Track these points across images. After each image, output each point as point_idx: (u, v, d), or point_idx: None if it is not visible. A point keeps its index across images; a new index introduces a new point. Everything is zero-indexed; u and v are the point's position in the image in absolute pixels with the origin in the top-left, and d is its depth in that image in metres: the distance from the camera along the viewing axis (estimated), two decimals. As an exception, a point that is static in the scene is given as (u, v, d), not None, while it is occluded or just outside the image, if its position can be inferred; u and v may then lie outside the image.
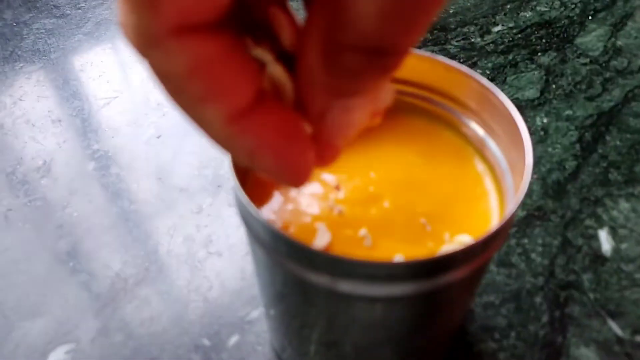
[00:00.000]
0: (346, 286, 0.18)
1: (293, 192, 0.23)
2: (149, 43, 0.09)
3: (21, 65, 0.46)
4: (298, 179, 0.12)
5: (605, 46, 0.46)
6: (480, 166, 0.24)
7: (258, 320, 0.29)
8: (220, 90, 0.10)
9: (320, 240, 0.21)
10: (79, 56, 0.47)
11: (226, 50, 0.10)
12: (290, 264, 0.19)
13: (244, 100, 0.11)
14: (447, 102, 0.24)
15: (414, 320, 0.20)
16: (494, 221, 0.22)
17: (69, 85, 0.44)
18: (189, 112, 0.11)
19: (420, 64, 0.24)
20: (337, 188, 0.23)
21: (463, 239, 0.21)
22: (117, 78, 0.45)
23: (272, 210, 0.22)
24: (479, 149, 0.24)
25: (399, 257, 0.20)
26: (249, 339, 0.29)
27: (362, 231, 0.21)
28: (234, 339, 0.29)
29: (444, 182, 0.23)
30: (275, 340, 0.27)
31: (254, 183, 0.23)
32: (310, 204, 0.23)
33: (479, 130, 0.23)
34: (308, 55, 0.10)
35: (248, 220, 0.20)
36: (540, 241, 0.33)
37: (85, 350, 0.29)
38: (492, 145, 0.22)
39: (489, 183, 0.23)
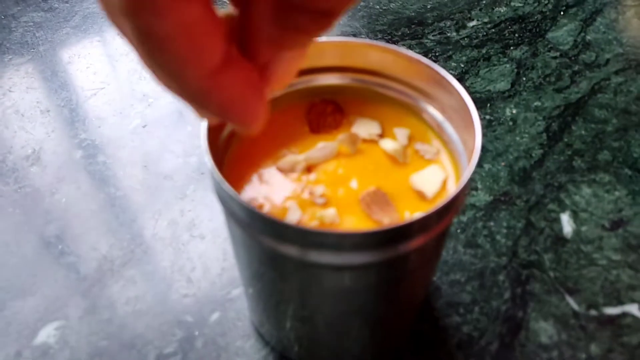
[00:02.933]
0: (315, 256, 0.20)
1: (267, 174, 0.25)
2: (141, 3, 0.10)
3: (10, 57, 0.47)
4: (258, 123, 0.14)
5: (575, 40, 0.48)
6: (439, 149, 0.25)
7: (238, 298, 0.31)
8: (200, 49, 0.11)
9: (291, 217, 0.23)
10: (66, 49, 0.48)
11: (205, 11, 0.11)
12: (264, 238, 0.20)
13: (219, 58, 0.12)
14: (410, 90, 0.26)
15: (378, 289, 0.22)
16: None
17: (57, 77, 0.45)
18: (168, 71, 0.12)
19: (386, 56, 0.25)
20: (309, 171, 0.25)
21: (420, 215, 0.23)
22: (103, 70, 0.46)
23: (247, 190, 0.24)
24: (438, 133, 0.25)
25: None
26: (230, 316, 0.30)
27: (331, 210, 0.23)
28: (215, 316, 0.30)
29: (407, 164, 0.25)
30: (254, 317, 0.29)
31: (230, 166, 0.25)
32: (283, 185, 0.24)
33: (438, 116, 0.25)
34: (259, 12, 0.12)
35: (224, 199, 0.21)
36: (505, 224, 0.35)
37: (73, 326, 0.30)
38: (449, 128, 0.24)
39: (447, 164, 0.25)
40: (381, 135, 0.26)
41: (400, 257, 0.20)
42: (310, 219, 0.23)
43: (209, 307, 0.31)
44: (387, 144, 0.25)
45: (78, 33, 0.50)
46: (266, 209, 0.23)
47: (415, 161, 0.25)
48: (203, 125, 0.22)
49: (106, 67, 0.46)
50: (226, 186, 0.20)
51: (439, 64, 0.23)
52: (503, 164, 0.38)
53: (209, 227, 0.34)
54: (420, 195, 0.24)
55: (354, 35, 0.49)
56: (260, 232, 0.20)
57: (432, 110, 0.25)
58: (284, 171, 0.25)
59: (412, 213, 0.23)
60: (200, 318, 0.30)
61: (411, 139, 0.26)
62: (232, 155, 0.25)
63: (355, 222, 0.23)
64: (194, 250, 0.33)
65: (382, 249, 0.20)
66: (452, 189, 0.24)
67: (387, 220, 0.22)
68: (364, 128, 0.26)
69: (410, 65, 0.25)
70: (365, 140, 0.26)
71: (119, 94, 0.44)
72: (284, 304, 0.25)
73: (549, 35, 0.49)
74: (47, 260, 0.33)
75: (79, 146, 0.40)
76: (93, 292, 0.32)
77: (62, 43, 0.49)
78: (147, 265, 0.33)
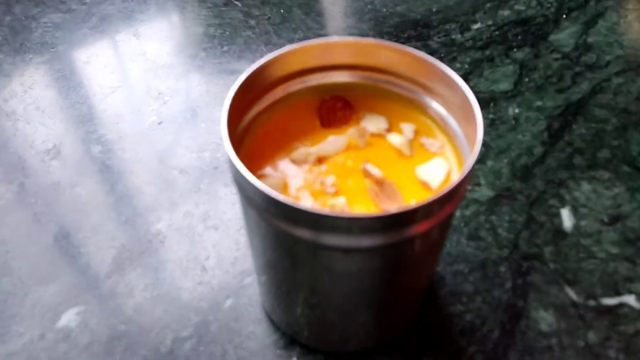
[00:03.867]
0: (327, 239, 0.21)
1: (281, 166, 0.26)
2: None
3: (31, 56, 0.49)
4: None
5: (577, 43, 0.50)
6: (443, 143, 0.27)
7: (251, 285, 0.32)
8: None
9: (304, 204, 0.24)
10: (84, 49, 0.50)
11: None
12: (280, 222, 0.22)
13: None
14: (416, 87, 0.27)
15: (384, 271, 0.24)
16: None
17: (76, 75, 0.47)
18: None
19: (393, 55, 0.27)
20: (320, 162, 0.27)
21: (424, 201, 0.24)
22: (120, 69, 0.48)
23: (264, 180, 0.25)
24: (442, 127, 0.27)
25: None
26: (243, 302, 0.32)
27: (341, 199, 0.25)
28: (229, 302, 0.32)
29: (413, 157, 0.26)
30: (266, 303, 0.31)
31: (245, 158, 0.26)
32: (297, 176, 0.26)
33: (442, 111, 0.26)
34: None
35: (242, 185, 0.23)
36: (507, 218, 0.36)
37: (93, 311, 0.32)
38: (453, 123, 0.26)
39: (451, 157, 0.26)
40: (388, 130, 0.28)
41: (405, 241, 0.22)
42: (321, 207, 0.24)
43: (222, 293, 0.32)
44: (394, 138, 0.27)
45: (95, 34, 0.51)
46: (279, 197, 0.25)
47: (421, 154, 0.27)
48: (224, 118, 0.23)
49: (122, 67, 0.48)
50: (244, 171, 0.21)
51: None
52: (505, 160, 0.39)
53: (223, 218, 0.36)
54: (426, 186, 0.25)
55: (362, 37, 0.50)
56: (275, 216, 0.22)
57: (437, 106, 0.27)
58: (297, 162, 0.26)
59: (418, 202, 0.24)
60: (215, 304, 0.32)
61: (417, 133, 0.27)
62: (247, 149, 0.27)
63: (363, 210, 0.24)
64: (208, 240, 0.35)
65: (388, 233, 0.21)
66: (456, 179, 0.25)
67: (394, 208, 0.24)
68: (373, 123, 0.28)
69: (416, 64, 0.26)
70: (373, 134, 0.28)
71: (135, 92, 0.45)
72: (295, 291, 0.26)
73: (552, 37, 0.50)
74: (67, 250, 0.35)
75: (97, 141, 0.41)
76: (112, 279, 0.33)
77: (80, 43, 0.50)
78: (164, 255, 0.34)
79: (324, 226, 0.21)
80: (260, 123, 0.28)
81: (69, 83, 0.46)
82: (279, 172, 0.26)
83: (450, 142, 0.27)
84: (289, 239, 0.22)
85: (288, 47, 0.27)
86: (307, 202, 0.24)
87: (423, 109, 0.28)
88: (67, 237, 0.35)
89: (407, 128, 0.27)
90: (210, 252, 0.34)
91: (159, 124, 0.43)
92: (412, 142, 0.27)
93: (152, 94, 0.45)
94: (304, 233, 0.21)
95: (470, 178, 0.23)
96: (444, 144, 0.27)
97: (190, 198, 0.37)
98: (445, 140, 0.27)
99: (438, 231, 0.23)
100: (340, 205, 0.24)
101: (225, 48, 0.50)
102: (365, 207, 0.24)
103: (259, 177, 0.26)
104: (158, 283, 0.33)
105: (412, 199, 0.25)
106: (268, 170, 0.26)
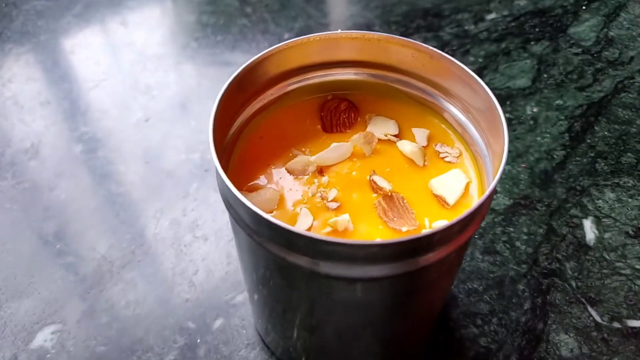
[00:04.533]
0: (327, 267, 0.18)
1: (276, 176, 0.23)
2: None
3: (10, 46, 0.46)
4: None
5: (597, 37, 0.46)
6: (461, 151, 0.24)
7: (243, 304, 0.30)
8: None
9: (302, 224, 0.21)
10: (68, 38, 0.46)
11: None
12: (272, 246, 0.19)
13: None
14: (430, 88, 0.24)
15: (393, 302, 0.21)
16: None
17: (58, 67, 0.44)
18: None
19: (405, 51, 0.24)
20: (321, 173, 0.23)
21: (442, 225, 0.21)
22: (106, 60, 0.44)
23: (256, 193, 0.22)
24: (461, 135, 0.24)
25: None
26: (234, 322, 0.29)
27: (344, 216, 0.22)
28: (218, 322, 0.29)
29: (426, 167, 0.23)
30: (260, 324, 0.28)
31: (237, 166, 0.23)
32: (294, 188, 0.23)
33: (460, 116, 0.23)
34: None
35: (230, 203, 0.20)
36: (525, 229, 0.33)
37: (71, 330, 0.29)
38: (472, 130, 0.22)
39: (470, 168, 0.23)
40: (398, 136, 0.25)
41: (418, 270, 0.19)
42: (322, 226, 0.21)
43: (212, 312, 0.29)
44: (405, 145, 0.24)
45: (80, 22, 0.48)
46: (274, 214, 0.22)
47: (435, 164, 0.23)
48: (210, 122, 0.20)
49: (108, 58, 0.45)
50: (233, 189, 0.18)
51: (456, 59, 0.21)
52: (524, 165, 0.36)
53: (213, 227, 0.33)
54: (441, 201, 0.22)
55: (367, 27, 0.47)
56: (267, 240, 0.19)
57: (454, 110, 0.24)
58: (295, 173, 0.23)
59: (432, 220, 0.21)
60: (203, 324, 0.29)
61: (431, 140, 0.24)
62: (239, 155, 0.24)
63: (370, 230, 0.21)
64: (196, 252, 0.32)
65: (400, 262, 0.18)
66: (476, 195, 0.22)
67: (405, 228, 0.21)
68: (380, 127, 0.25)
69: (432, 61, 0.23)
70: (381, 141, 0.24)
71: (121, 86, 0.42)
72: (291, 312, 0.23)
73: (571, 30, 0.47)
74: (45, 260, 0.32)
75: (79, 140, 0.38)
76: (92, 294, 0.30)
77: (64, 32, 0.47)
78: (147, 267, 0.31)
79: (324, 254, 0.18)
80: (254, 126, 0.25)
81: (50, 76, 0.43)
82: (274, 183, 0.23)
83: (468, 150, 0.24)
84: (283, 265, 0.19)
85: (287, 42, 0.23)
86: (305, 220, 0.21)
87: (438, 113, 0.25)
88: (44, 247, 0.32)
89: (420, 134, 0.24)
90: (198, 266, 0.31)
91: (146, 120, 0.39)
92: (425, 150, 0.24)
93: (139, 87, 0.42)
94: (300, 260, 0.18)
95: (489, 203, 0.20)
96: (462, 152, 0.24)
97: (178, 204, 0.34)
98: (463, 148, 0.24)
99: (457, 255, 0.20)
100: (343, 223, 0.21)
101: (219, 37, 0.46)
102: (372, 226, 0.21)
103: (252, 188, 0.23)
104: (141, 300, 0.30)
105: (426, 217, 0.21)
106: (262, 180, 0.23)
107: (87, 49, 0.45)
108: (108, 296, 0.30)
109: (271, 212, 0.22)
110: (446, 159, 0.23)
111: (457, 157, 0.24)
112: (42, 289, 0.30)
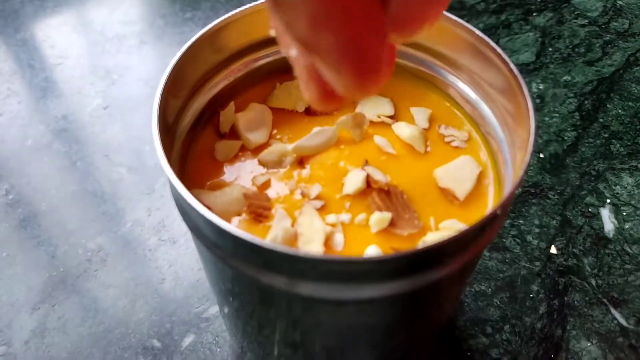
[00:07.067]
0: (309, 289, 0.14)
1: (247, 170, 0.19)
2: None
3: (-48, 28, 0.41)
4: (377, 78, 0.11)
5: (604, 6, 0.42)
6: (470, 134, 0.20)
7: (216, 318, 0.26)
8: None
9: (277, 229, 0.17)
10: (19, 20, 0.41)
11: None
12: (240, 263, 0.15)
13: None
14: (432, 59, 0.20)
15: (392, 324, 0.17)
16: (488, 202, 0.18)
17: (7, 52, 0.39)
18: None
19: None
20: (301, 164, 0.19)
21: (451, 225, 0.17)
22: (62, 43, 0.40)
23: (220, 192, 0.18)
24: (470, 115, 0.20)
25: (372, 250, 0.16)
26: (206, 340, 0.25)
27: (331, 217, 0.18)
28: (188, 340, 0.25)
29: (429, 154, 0.19)
30: (235, 342, 0.24)
31: (197, 160, 0.19)
32: (267, 185, 0.18)
33: (471, 93, 0.19)
34: None
35: (185, 212, 0.16)
36: (537, 221, 0.29)
37: (17, 354, 0.25)
38: (485, 109, 0.18)
39: (482, 154, 0.19)
40: (394, 117, 0.20)
41: (422, 289, 0.15)
42: (303, 233, 0.17)
43: (181, 328, 0.25)
44: (402, 128, 0.20)
45: (34, 1, 0.43)
46: (243, 217, 0.17)
47: (440, 150, 0.19)
48: (154, 111, 0.16)
49: (65, 39, 0.40)
50: (180, 188, 0.14)
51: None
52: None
53: (181, 229, 0.29)
54: (449, 196, 0.18)
55: None
56: (233, 256, 0.14)
57: (462, 86, 0.20)
58: (268, 165, 0.19)
59: (438, 220, 0.17)
60: (171, 342, 0.25)
61: (433, 121, 0.20)
62: (200, 146, 0.20)
63: (363, 235, 0.17)
64: (163, 257, 0.28)
65: (401, 279, 0.14)
66: (491, 188, 0.18)
67: (407, 231, 0.17)
68: (372, 107, 0.21)
69: (434, 27, 0.19)
70: (373, 123, 0.20)
71: (78, 70, 0.37)
72: (269, 328, 0.19)
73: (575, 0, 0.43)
74: (-15, 272, 0.27)
75: (28, 132, 0.34)
76: (40, 311, 0.26)
77: (15, 13, 0.42)
78: (106, 277, 0.27)
79: (304, 273, 0.14)
80: (217, 111, 0.20)
81: (-3, 60, 0.38)
82: (243, 178, 0.19)
83: (479, 132, 0.20)
84: (255, 285, 0.15)
85: (255, 3, 0.19)
86: (281, 226, 0.17)
87: (442, 89, 0.20)
88: (-15, 256, 0.28)
89: (420, 114, 0.20)
90: (165, 274, 0.27)
91: (105, 108, 0.35)
92: (427, 134, 0.20)
93: (98, 72, 0.37)
94: (275, 280, 0.14)
95: (512, 198, 0.16)
96: (471, 135, 0.20)
97: (141, 202, 0.30)
98: (473, 130, 0.20)
99: (467, 269, 0.16)
100: (330, 228, 0.17)
101: (187, 14, 0.42)
102: (364, 230, 0.17)
103: (215, 185, 0.18)
104: (98, 316, 0.26)
105: (431, 216, 0.18)
106: (229, 174, 0.19)
107: (41, 30, 0.41)
108: (60, 312, 0.26)
109: (239, 214, 0.17)
110: (453, 144, 0.19)
111: (466, 141, 0.19)
112: (-17, 305, 0.26)
